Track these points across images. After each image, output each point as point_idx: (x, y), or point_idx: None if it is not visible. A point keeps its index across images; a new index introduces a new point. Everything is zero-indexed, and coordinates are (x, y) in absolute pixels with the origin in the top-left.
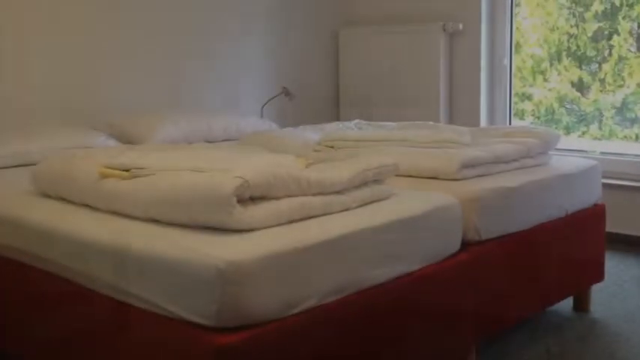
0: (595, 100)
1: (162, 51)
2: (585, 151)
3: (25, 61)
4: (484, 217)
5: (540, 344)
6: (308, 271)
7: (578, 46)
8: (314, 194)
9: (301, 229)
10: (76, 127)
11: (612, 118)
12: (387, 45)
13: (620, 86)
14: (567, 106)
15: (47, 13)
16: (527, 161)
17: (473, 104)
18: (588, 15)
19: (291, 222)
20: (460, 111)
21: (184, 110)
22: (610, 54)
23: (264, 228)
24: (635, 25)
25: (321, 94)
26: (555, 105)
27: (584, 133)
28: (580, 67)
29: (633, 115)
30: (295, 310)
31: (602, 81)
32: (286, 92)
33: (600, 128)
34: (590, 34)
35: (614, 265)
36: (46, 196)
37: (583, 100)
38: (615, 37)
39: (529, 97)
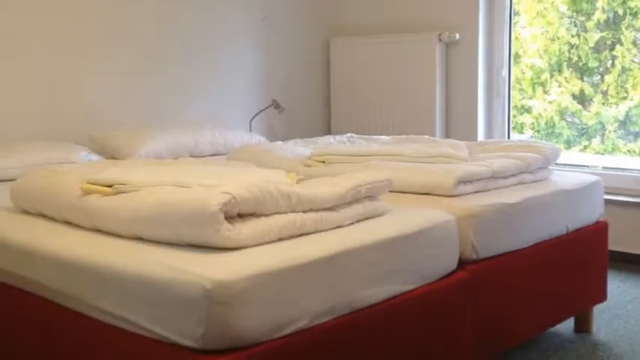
0: (597, 113)
1: (147, 62)
2: (587, 166)
3: (3, 73)
4: (482, 234)
5: None
6: (298, 291)
7: (579, 57)
8: (305, 211)
9: (291, 248)
10: (57, 142)
11: (615, 131)
12: (381, 55)
13: (624, 98)
14: (568, 120)
15: (26, 26)
16: (526, 177)
17: (470, 117)
18: (590, 24)
19: (280, 240)
20: (457, 124)
21: (169, 124)
22: (613, 65)
23: (253, 246)
24: (639, 34)
25: (311, 106)
26: (556, 118)
27: (585, 147)
28: (581, 79)
29: (637, 129)
30: (285, 332)
31: (605, 93)
32: (276, 105)
33: (603, 142)
34: (592, 44)
35: (617, 285)
36: (26, 213)
37: (585, 113)
38: (618, 47)
39: (528, 110)
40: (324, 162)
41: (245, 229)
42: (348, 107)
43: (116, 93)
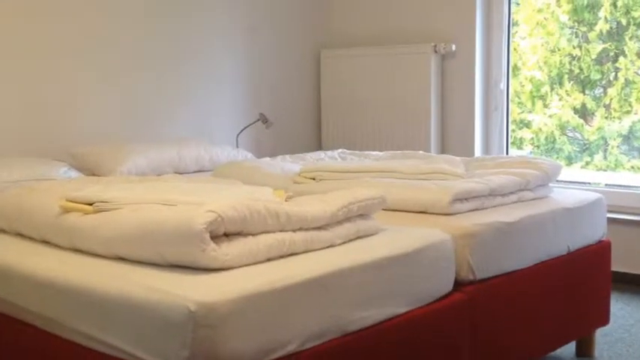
0: (599, 128)
1: (129, 75)
2: (589, 183)
3: None
4: (479, 254)
5: None
6: (287, 314)
7: (581, 69)
8: (294, 230)
9: (280, 268)
10: (35, 158)
11: (618, 147)
12: (373, 67)
13: (627, 112)
14: (569, 135)
15: (2, 38)
16: (525, 194)
17: (467, 132)
18: (592, 35)
19: (269, 260)
20: (453, 139)
21: (153, 139)
22: (616, 77)
23: (240, 267)
24: None
25: (301, 121)
26: (556, 133)
27: (587, 163)
28: (583, 92)
29: None
30: (273, 356)
31: (608, 107)
32: (263, 119)
33: (605, 158)
34: (594, 56)
35: (620, 307)
36: (2, 231)
37: (586, 127)
38: (621, 58)
39: (528, 125)
40: (314, 179)
41: (232, 249)
42: (339, 121)
43: (97, 107)
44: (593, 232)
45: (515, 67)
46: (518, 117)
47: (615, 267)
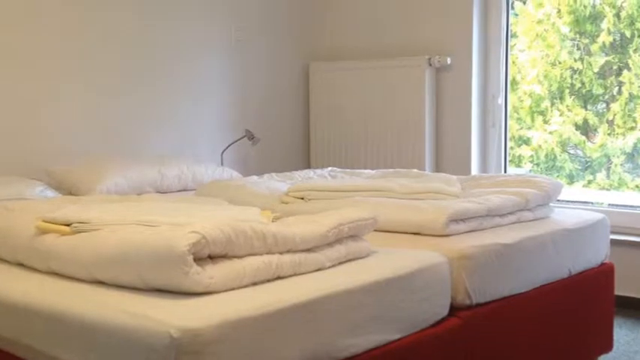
0: (602, 145)
1: (108, 88)
2: (591, 203)
3: None
4: (476, 278)
5: None
6: (274, 340)
7: (583, 83)
8: (281, 252)
9: (267, 292)
10: (9, 176)
11: (622, 165)
12: (365, 81)
13: (631, 129)
14: (571, 152)
15: None
16: (525, 214)
17: (463, 149)
18: (594, 47)
19: (255, 284)
20: (448, 157)
21: (133, 156)
22: (619, 92)
23: (225, 291)
24: None
25: (289, 137)
26: (557, 150)
27: (589, 182)
28: (585, 107)
29: None
30: None
31: (611, 123)
32: (249, 136)
33: (608, 177)
34: (596, 70)
35: (624, 333)
36: None
37: (589, 144)
38: (625, 72)
39: (527, 142)
40: (302, 198)
41: (216, 272)
42: (329, 138)
43: (75, 122)
44: (596, 254)
45: (514, 81)
46: (516, 133)
47: (619, 291)
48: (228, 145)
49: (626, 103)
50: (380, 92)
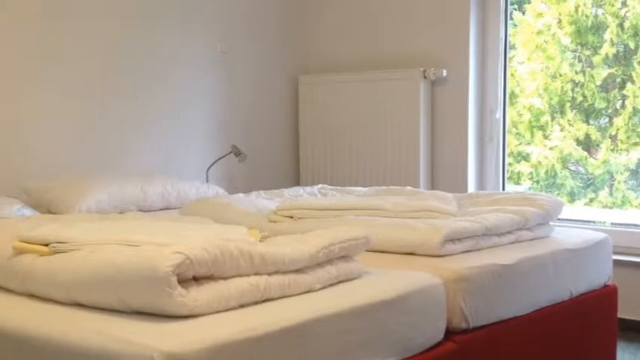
0: (605, 161)
1: (88, 102)
2: (593, 222)
3: None
4: (473, 300)
5: None
6: None
7: (584, 97)
8: (269, 273)
9: (254, 315)
10: None
11: (625, 182)
12: (357, 94)
13: (635, 144)
14: (572, 169)
15: None
16: (524, 234)
17: (459, 166)
18: (597, 59)
19: (242, 306)
20: (443, 174)
21: (114, 173)
22: (623, 106)
23: (210, 313)
24: None
25: (277, 153)
26: (557, 167)
27: (591, 200)
28: (587, 122)
29: None
30: None
31: (614, 138)
32: (236, 152)
33: (611, 194)
34: (599, 82)
35: (628, 358)
36: None
37: (591, 160)
38: (629, 85)
39: (526, 158)
40: (291, 217)
41: (201, 295)
42: (319, 154)
43: (53, 137)
44: (598, 275)
45: (513, 95)
46: (515, 149)
47: (622, 314)
48: (214, 162)
49: (629, 118)
50: (372, 106)
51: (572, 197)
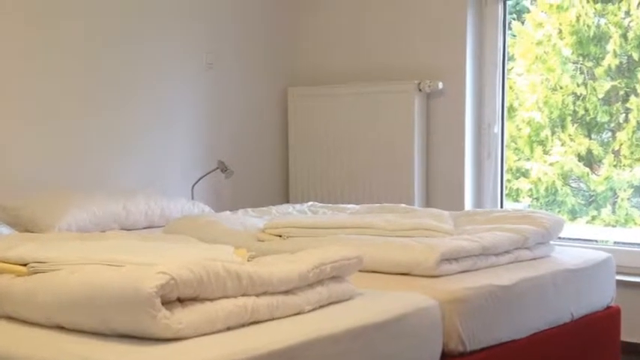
0: (607, 178)
1: (68, 114)
2: (595, 241)
3: None
4: (470, 322)
5: None
6: None
7: (586, 110)
8: (257, 294)
9: (241, 338)
10: None
11: (629, 199)
12: (349, 108)
13: (639, 160)
14: (573, 185)
15: None
16: (523, 253)
17: (455, 182)
18: (599, 71)
19: (229, 329)
20: (439, 190)
21: (96, 190)
22: (626, 119)
23: (196, 336)
24: None
25: (266, 169)
26: (558, 183)
27: (593, 218)
28: (589, 136)
29: None
30: None
31: (617, 153)
32: (223, 167)
33: (614, 212)
34: (601, 95)
35: None
36: None
37: (593, 177)
38: (632, 98)
39: (525, 174)
40: (280, 236)
41: (186, 317)
42: (309, 170)
43: (31, 152)
44: (601, 297)
45: (511, 108)
46: (514, 165)
47: (625, 337)
48: (200, 178)
49: (633, 132)
50: (365, 120)
51: (574, 215)
